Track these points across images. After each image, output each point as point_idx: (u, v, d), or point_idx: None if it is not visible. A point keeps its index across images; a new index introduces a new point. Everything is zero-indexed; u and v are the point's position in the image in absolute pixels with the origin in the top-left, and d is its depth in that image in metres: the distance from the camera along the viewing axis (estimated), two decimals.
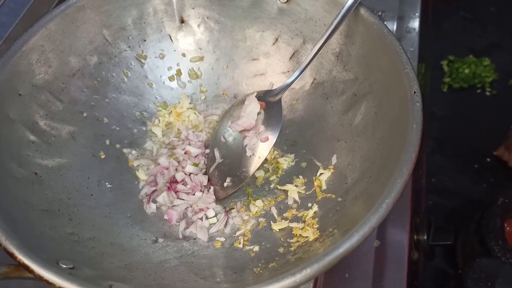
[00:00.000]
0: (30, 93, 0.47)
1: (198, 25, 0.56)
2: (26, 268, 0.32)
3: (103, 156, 0.51)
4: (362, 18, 0.46)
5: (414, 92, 0.39)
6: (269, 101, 0.50)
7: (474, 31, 1.01)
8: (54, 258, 0.35)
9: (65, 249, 0.39)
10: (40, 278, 0.31)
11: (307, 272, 0.30)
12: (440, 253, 0.63)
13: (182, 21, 0.56)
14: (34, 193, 0.42)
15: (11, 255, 0.32)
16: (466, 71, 0.95)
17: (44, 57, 0.48)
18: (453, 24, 1.02)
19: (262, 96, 0.51)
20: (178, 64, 0.57)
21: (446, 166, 0.81)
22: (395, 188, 0.34)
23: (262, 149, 0.48)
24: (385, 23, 0.45)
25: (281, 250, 0.42)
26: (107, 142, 0.52)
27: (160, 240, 0.45)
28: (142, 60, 0.56)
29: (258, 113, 0.49)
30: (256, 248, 0.43)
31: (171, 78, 0.57)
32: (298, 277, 0.30)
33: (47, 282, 0.31)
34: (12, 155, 0.42)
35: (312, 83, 0.53)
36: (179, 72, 0.57)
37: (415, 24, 0.74)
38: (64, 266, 0.35)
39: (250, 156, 0.48)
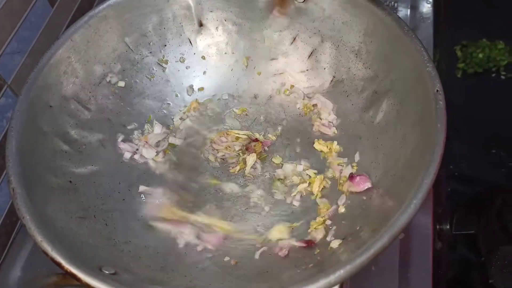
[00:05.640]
0: (60, 104, 0.48)
1: (217, 28, 0.57)
2: (74, 276, 0.34)
3: (131, 162, 0.52)
4: (381, 17, 0.47)
5: (437, 90, 0.40)
6: None
7: (486, 14, 1.00)
8: (97, 265, 0.37)
9: (105, 255, 0.41)
10: (87, 286, 0.33)
11: (341, 273, 0.32)
12: (462, 241, 0.64)
13: (200, 24, 0.57)
14: (70, 202, 0.44)
15: (59, 265, 0.34)
16: (480, 55, 0.94)
17: (71, 68, 0.49)
18: (465, 8, 1.01)
19: None
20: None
21: (463, 152, 0.81)
22: (423, 188, 0.35)
23: None
24: (398, 12, 0.45)
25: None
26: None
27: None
28: (164, 65, 0.57)
29: None
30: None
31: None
32: (332, 278, 0.32)
33: None
34: (48, 166, 0.44)
35: (331, 81, 0.54)
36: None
37: (429, 11, 0.74)
38: (107, 272, 0.36)
39: None
